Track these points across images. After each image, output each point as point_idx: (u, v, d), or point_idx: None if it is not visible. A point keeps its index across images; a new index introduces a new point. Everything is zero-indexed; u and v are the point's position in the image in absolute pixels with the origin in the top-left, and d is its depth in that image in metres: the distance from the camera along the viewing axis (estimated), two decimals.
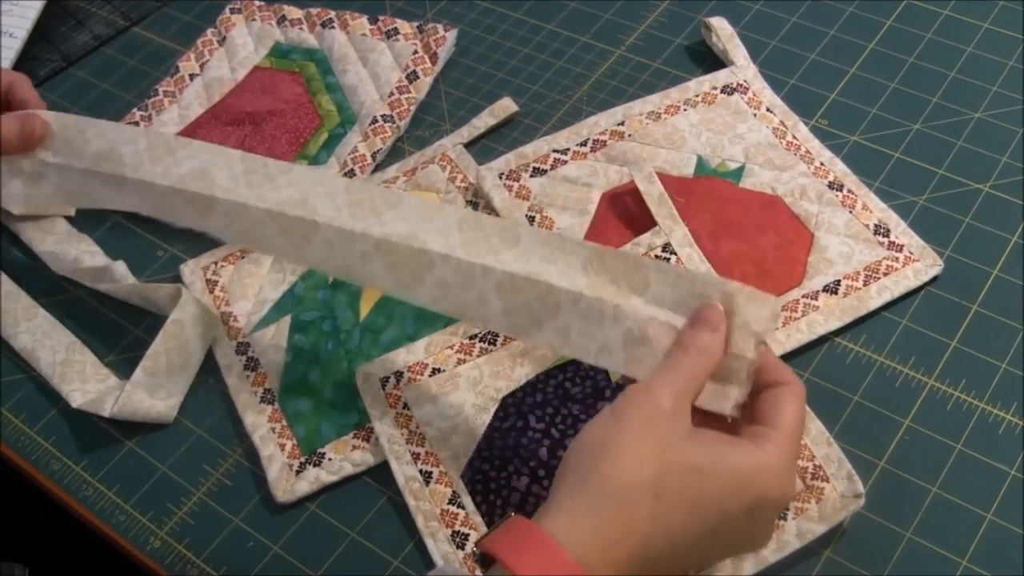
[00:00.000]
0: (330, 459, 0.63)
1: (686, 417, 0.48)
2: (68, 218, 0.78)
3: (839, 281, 0.66)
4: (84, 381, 0.68)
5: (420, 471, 0.61)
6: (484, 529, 0.58)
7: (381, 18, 0.86)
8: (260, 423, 0.65)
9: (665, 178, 0.72)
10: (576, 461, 0.48)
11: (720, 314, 0.50)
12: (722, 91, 0.77)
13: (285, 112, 0.82)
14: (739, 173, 0.72)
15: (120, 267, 0.73)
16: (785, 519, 0.56)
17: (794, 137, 0.74)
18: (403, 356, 0.65)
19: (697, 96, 0.77)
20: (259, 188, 0.59)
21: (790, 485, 0.49)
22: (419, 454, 0.61)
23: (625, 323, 0.52)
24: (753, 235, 0.68)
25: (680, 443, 0.47)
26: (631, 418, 0.47)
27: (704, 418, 0.50)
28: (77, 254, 0.74)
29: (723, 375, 0.50)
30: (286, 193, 0.59)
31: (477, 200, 0.74)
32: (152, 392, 0.66)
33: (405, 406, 0.63)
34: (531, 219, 0.71)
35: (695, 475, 0.46)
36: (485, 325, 0.56)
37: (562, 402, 0.62)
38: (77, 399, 0.67)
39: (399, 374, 0.64)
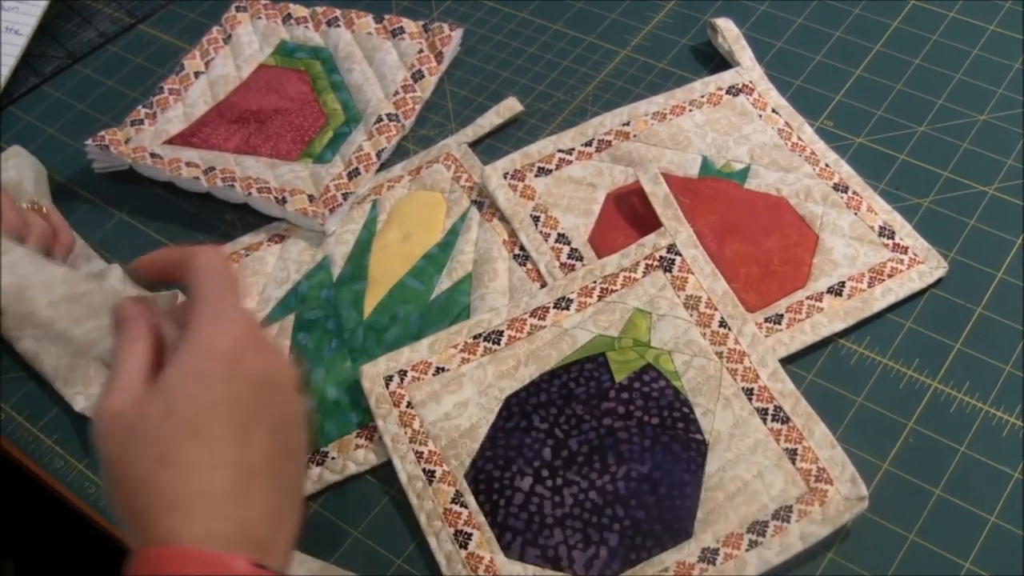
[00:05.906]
0: (333, 458, 0.63)
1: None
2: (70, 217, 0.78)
3: (843, 283, 0.66)
4: (87, 384, 0.68)
5: (423, 470, 0.61)
6: (487, 529, 0.58)
7: (387, 17, 0.86)
8: None
9: (670, 179, 0.72)
10: None
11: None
12: (728, 92, 0.77)
13: (290, 110, 0.82)
14: (744, 174, 0.72)
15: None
16: (789, 522, 0.56)
17: (799, 138, 0.74)
18: (407, 355, 0.65)
19: (703, 97, 0.77)
20: None
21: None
22: (422, 453, 0.61)
23: None
24: (758, 236, 0.68)
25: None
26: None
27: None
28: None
29: None
30: None
31: (482, 199, 0.74)
32: None
33: (409, 405, 0.63)
34: (536, 219, 0.71)
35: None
36: None
37: (566, 402, 0.62)
38: (80, 403, 0.67)
39: (403, 373, 0.64)
